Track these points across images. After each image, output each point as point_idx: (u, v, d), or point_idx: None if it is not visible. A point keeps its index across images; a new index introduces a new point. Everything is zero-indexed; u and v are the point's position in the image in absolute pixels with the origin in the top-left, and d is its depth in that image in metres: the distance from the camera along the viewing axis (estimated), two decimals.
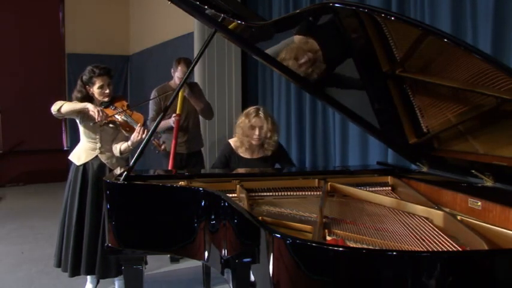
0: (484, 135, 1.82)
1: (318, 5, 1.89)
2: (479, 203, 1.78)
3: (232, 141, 3.12)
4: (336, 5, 1.67)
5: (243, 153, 3.07)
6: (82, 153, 2.94)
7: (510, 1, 2.69)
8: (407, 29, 1.60)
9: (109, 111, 2.87)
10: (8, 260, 3.83)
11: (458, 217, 1.71)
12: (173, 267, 3.64)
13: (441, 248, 1.49)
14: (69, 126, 7.53)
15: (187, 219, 2.10)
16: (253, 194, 2.28)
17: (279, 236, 1.39)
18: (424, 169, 2.28)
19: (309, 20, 1.99)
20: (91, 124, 2.88)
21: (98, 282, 3.04)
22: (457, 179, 2.02)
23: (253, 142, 3.00)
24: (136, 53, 7.72)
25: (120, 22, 8.02)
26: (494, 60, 1.56)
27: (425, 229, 1.69)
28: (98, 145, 2.94)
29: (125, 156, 3.01)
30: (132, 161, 2.27)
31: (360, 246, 1.57)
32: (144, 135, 2.75)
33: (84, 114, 2.87)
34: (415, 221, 1.81)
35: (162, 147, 3.07)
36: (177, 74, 3.82)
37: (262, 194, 2.31)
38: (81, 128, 2.95)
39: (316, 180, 2.40)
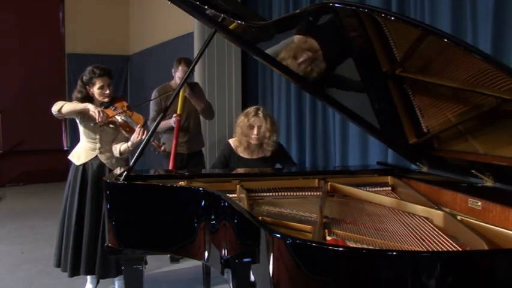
0: (484, 135, 1.82)
1: (318, 5, 1.89)
2: (479, 203, 1.78)
3: (232, 141, 3.13)
4: (336, 5, 1.67)
5: (243, 153, 3.07)
6: (82, 153, 2.94)
7: (510, 1, 2.69)
8: (408, 29, 1.60)
9: (109, 111, 2.87)
10: (8, 260, 3.83)
11: (458, 217, 1.71)
12: (173, 267, 3.64)
13: (441, 248, 1.49)
14: (69, 126, 7.53)
15: (187, 219, 2.10)
16: (253, 194, 2.28)
17: (279, 236, 1.39)
18: (424, 169, 2.28)
19: (309, 20, 1.99)
20: (92, 125, 2.88)
21: (98, 282, 3.04)
22: (457, 179, 2.02)
23: (252, 141, 2.99)
24: (136, 53, 7.73)
25: (120, 22, 8.02)
26: (494, 60, 1.56)
27: (425, 229, 1.69)
28: (98, 145, 2.94)
29: (124, 156, 3.01)
30: (132, 161, 2.27)
31: (360, 246, 1.57)
32: (144, 136, 2.75)
33: (84, 114, 2.87)
34: (415, 221, 1.81)
35: (162, 148, 3.07)
36: (178, 74, 3.81)
37: (262, 194, 2.31)
38: (81, 128, 2.95)
39: (316, 180, 2.40)
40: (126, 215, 2.21)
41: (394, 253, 1.33)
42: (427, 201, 1.94)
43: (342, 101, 2.24)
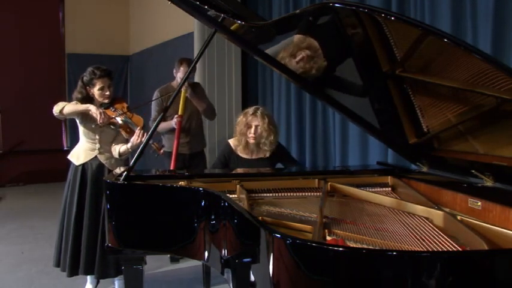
0: (484, 135, 1.82)
1: (318, 5, 1.89)
2: (479, 203, 1.78)
3: (232, 141, 3.13)
4: (336, 5, 1.67)
5: (242, 153, 3.07)
6: (81, 153, 2.95)
7: (510, 1, 2.69)
8: (408, 29, 1.60)
9: (109, 112, 2.87)
10: (8, 260, 3.83)
11: (458, 217, 1.71)
12: (173, 267, 3.64)
13: (441, 248, 1.49)
14: (69, 127, 7.52)
15: (187, 219, 2.10)
16: (254, 195, 2.28)
17: (279, 236, 1.39)
18: (424, 169, 2.28)
19: (309, 20, 1.99)
20: (93, 126, 2.89)
21: (98, 282, 3.05)
22: (457, 179, 2.02)
23: (249, 141, 2.99)
24: (136, 53, 7.72)
25: (120, 22, 8.02)
26: (494, 60, 1.57)
27: (425, 229, 1.69)
28: (97, 145, 2.94)
29: (123, 157, 3.01)
30: (132, 161, 2.28)
31: (360, 246, 1.57)
32: (143, 139, 2.75)
33: (85, 115, 2.87)
34: (415, 221, 1.81)
35: (161, 151, 3.06)
36: (179, 75, 3.80)
37: (262, 194, 2.31)
38: (80, 128, 2.95)
39: (316, 180, 2.40)
40: (126, 215, 2.21)
41: (394, 253, 1.33)
42: (427, 201, 1.94)
43: (342, 101, 2.24)
